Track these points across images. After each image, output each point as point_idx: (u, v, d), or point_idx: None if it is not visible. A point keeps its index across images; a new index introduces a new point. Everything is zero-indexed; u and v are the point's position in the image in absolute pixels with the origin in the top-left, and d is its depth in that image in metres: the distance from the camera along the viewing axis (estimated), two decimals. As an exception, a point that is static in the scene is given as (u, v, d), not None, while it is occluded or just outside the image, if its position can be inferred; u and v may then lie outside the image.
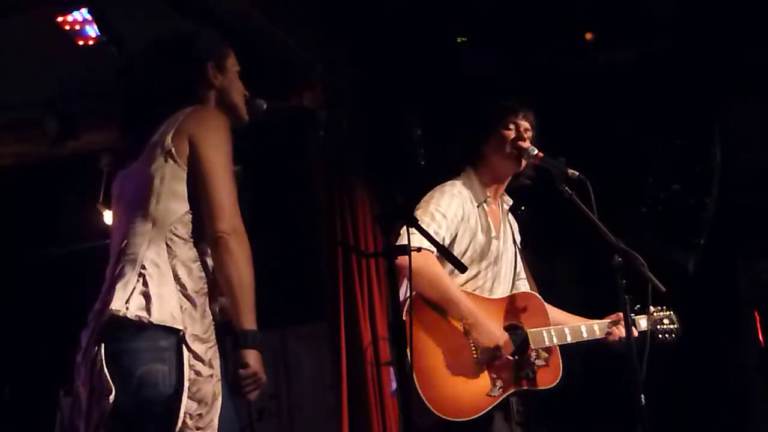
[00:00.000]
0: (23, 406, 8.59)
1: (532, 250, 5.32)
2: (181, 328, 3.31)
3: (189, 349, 3.30)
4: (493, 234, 4.71)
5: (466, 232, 4.60)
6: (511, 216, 4.99)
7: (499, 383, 4.45)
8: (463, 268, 3.67)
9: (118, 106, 4.09)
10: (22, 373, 8.71)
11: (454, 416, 4.30)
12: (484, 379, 4.43)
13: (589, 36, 7.38)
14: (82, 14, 6.38)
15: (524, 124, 4.77)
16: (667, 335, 4.82)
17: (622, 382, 4.23)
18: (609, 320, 4.82)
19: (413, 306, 4.36)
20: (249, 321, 3.35)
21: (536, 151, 4.60)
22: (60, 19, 6.41)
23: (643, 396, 4.10)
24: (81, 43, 6.48)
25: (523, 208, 7.01)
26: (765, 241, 7.52)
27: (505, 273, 4.78)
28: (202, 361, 3.32)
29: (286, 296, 8.10)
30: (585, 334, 4.77)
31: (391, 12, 6.96)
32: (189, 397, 3.28)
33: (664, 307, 4.86)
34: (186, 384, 3.27)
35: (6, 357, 8.70)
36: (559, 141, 4.86)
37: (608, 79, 7.41)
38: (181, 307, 3.34)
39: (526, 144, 4.70)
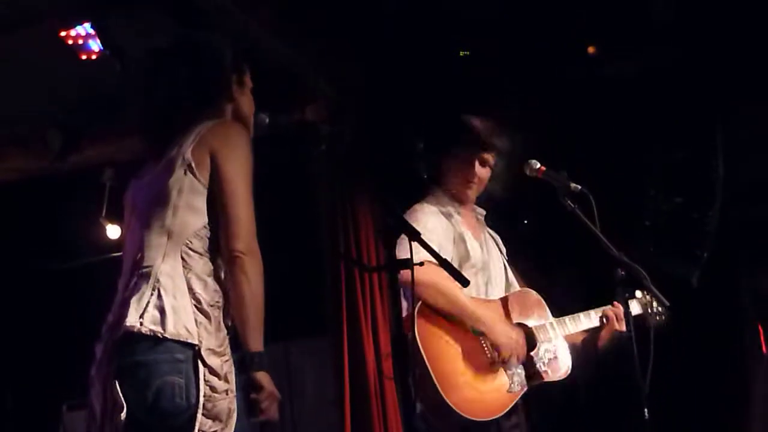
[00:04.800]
0: (25, 418, 8.59)
1: (534, 264, 5.33)
2: (196, 342, 3.30)
3: (204, 364, 3.30)
4: (472, 240, 4.77)
5: (447, 245, 4.64)
6: (489, 230, 5.06)
7: (516, 379, 4.56)
8: (465, 282, 3.68)
9: (135, 108, 4.06)
10: (25, 384, 8.71)
11: (483, 416, 4.40)
12: (502, 377, 4.53)
13: (591, 50, 7.38)
14: (85, 29, 6.39)
15: (489, 159, 4.83)
16: (658, 317, 4.84)
17: (626, 395, 4.23)
18: (602, 308, 4.88)
19: (422, 315, 4.39)
20: (258, 342, 3.35)
21: (539, 165, 4.62)
22: (63, 33, 6.43)
23: (646, 410, 4.10)
24: (84, 57, 6.50)
25: (525, 221, 7.04)
26: (768, 253, 7.51)
27: (496, 278, 4.82)
28: (217, 375, 3.32)
29: (288, 310, 8.08)
30: (584, 323, 4.86)
31: (394, 26, 6.97)
32: (204, 414, 3.27)
33: (649, 292, 4.83)
34: (201, 400, 3.26)
35: (9, 368, 8.70)
36: (562, 154, 4.87)
37: (609, 92, 7.41)
38: (196, 320, 3.33)
39: (485, 174, 4.84)
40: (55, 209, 8.38)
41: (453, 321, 4.49)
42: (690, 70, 7.29)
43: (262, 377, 3.36)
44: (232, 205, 3.42)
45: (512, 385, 4.53)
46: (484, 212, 5.01)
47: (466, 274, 4.59)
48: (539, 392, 4.67)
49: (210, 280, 3.43)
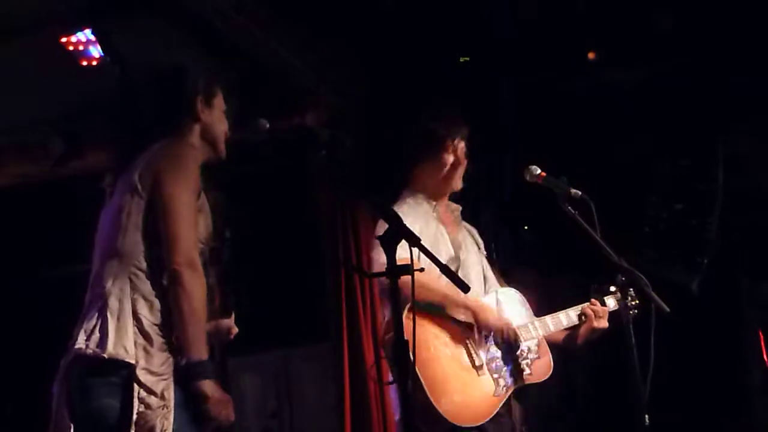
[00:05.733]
0: (25, 424, 8.57)
1: (534, 270, 5.34)
2: (132, 362, 3.40)
3: (139, 383, 3.39)
4: (447, 236, 4.79)
5: (426, 241, 4.63)
6: (466, 224, 5.07)
7: (501, 382, 4.56)
8: (465, 288, 3.67)
9: (116, 133, 4.23)
10: (25, 390, 8.69)
11: (470, 422, 4.39)
12: (488, 381, 4.54)
13: (591, 55, 7.39)
14: (85, 35, 6.40)
15: (461, 146, 4.85)
16: (631, 311, 4.82)
17: (626, 402, 4.22)
18: (580, 306, 4.88)
19: (406, 321, 4.38)
20: (199, 352, 3.44)
21: (539, 171, 4.62)
22: (64, 39, 6.43)
23: (647, 416, 4.09)
24: (85, 63, 6.50)
25: (525, 227, 7.04)
26: (769, 261, 7.52)
27: (475, 278, 4.84)
28: (154, 393, 3.41)
29: (289, 317, 8.10)
30: (564, 322, 4.86)
31: (394, 31, 6.97)
32: (137, 430, 3.37)
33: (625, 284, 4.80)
34: (134, 417, 3.36)
35: (9, 375, 8.69)
36: (562, 160, 4.86)
37: (610, 99, 7.42)
38: (136, 342, 3.43)
39: (462, 167, 4.86)
40: (55, 215, 8.37)
41: (438, 324, 4.49)
42: (692, 78, 7.29)
43: (206, 386, 3.43)
44: (171, 222, 3.51)
45: (497, 388, 4.53)
46: (459, 207, 5.04)
47: None
48: (538, 401, 4.68)
49: (156, 301, 3.52)
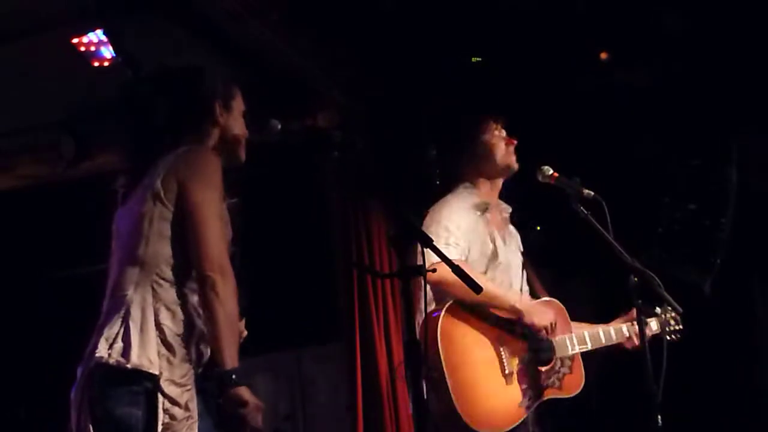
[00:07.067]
0: (38, 429, 8.58)
1: (547, 270, 5.32)
2: (156, 373, 3.38)
3: (164, 394, 3.38)
4: (498, 240, 4.77)
5: (476, 242, 4.63)
6: (512, 226, 5.03)
7: (529, 393, 4.52)
8: (478, 289, 3.66)
9: (123, 134, 4.20)
10: (38, 395, 8.70)
11: (490, 429, 4.35)
12: (515, 391, 4.49)
13: (604, 55, 7.37)
14: (97, 35, 6.40)
15: (503, 132, 4.85)
16: (674, 336, 4.82)
17: (639, 402, 4.21)
18: (623, 322, 4.89)
19: (445, 320, 4.38)
20: (233, 359, 3.42)
21: (551, 171, 4.61)
22: (75, 40, 6.43)
23: (660, 417, 4.08)
24: (96, 64, 6.50)
25: (538, 227, 7.02)
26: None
27: (515, 279, 4.80)
28: (178, 405, 3.41)
29: (301, 317, 8.10)
30: (603, 339, 4.85)
31: (407, 32, 6.96)
32: None
33: (670, 309, 4.80)
34: (159, 428, 3.35)
35: (22, 379, 8.70)
36: (575, 161, 4.85)
37: (622, 99, 7.40)
38: (159, 352, 3.42)
39: (511, 145, 4.85)
40: (67, 217, 8.38)
41: (476, 326, 4.48)
42: (704, 78, 7.27)
43: (244, 392, 3.42)
44: (200, 230, 3.49)
45: (524, 399, 4.49)
46: (509, 209, 5.00)
47: (493, 273, 4.63)
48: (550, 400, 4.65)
49: (179, 311, 3.51)
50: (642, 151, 7.56)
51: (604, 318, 5.01)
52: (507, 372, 4.48)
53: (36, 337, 8.66)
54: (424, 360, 3.50)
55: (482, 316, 4.52)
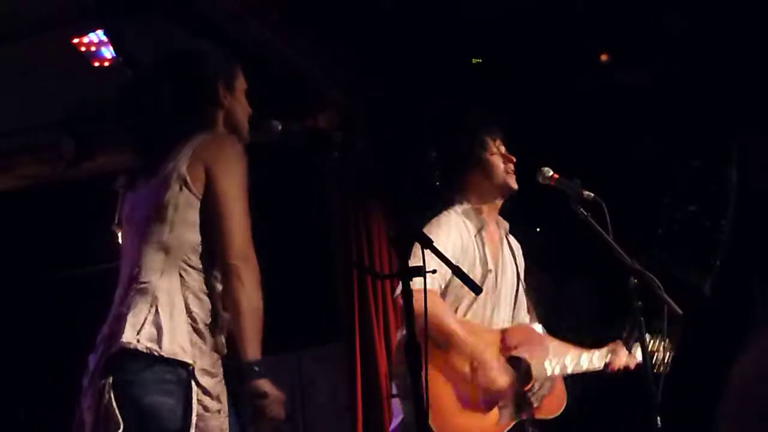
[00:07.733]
0: (38, 429, 8.59)
1: (547, 272, 5.31)
2: (190, 361, 3.34)
3: (198, 384, 3.34)
4: (490, 266, 4.69)
5: (464, 264, 4.51)
6: (512, 238, 4.98)
7: (506, 413, 4.46)
8: (477, 290, 3.65)
9: (127, 125, 4.13)
10: (37, 395, 8.70)
11: None
12: (493, 412, 4.44)
13: (604, 57, 7.38)
14: (97, 35, 6.41)
15: (502, 148, 4.81)
16: (661, 368, 4.76)
17: (637, 404, 4.21)
18: (607, 349, 4.83)
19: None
20: (256, 351, 3.38)
21: (552, 173, 4.60)
22: (76, 40, 6.44)
23: (659, 419, 4.08)
24: (97, 64, 6.51)
25: (538, 229, 7.02)
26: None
27: (504, 301, 4.76)
28: (210, 395, 3.37)
29: (301, 318, 8.09)
30: (584, 365, 4.77)
31: (406, 32, 6.97)
32: None
33: (660, 336, 4.65)
34: (194, 419, 3.30)
35: (22, 379, 8.70)
36: (574, 162, 4.85)
37: (622, 99, 7.40)
38: (191, 340, 3.37)
39: (510, 165, 4.78)
40: (67, 217, 8.39)
41: (449, 354, 4.41)
42: (704, 78, 7.27)
43: (265, 384, 3.38)
44: (227, 217, 3.45)
45: (501, 419, 4.44)
46: (507, 225, 4.93)
47: (477, 297, 4.56)
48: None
49: (206, 299, 3.47)
50: (642, 151, 7.55)
51: (605, 320, 5.00)
52: (485, 399, 4.43)
53: (36, 337, 8.66)
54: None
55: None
